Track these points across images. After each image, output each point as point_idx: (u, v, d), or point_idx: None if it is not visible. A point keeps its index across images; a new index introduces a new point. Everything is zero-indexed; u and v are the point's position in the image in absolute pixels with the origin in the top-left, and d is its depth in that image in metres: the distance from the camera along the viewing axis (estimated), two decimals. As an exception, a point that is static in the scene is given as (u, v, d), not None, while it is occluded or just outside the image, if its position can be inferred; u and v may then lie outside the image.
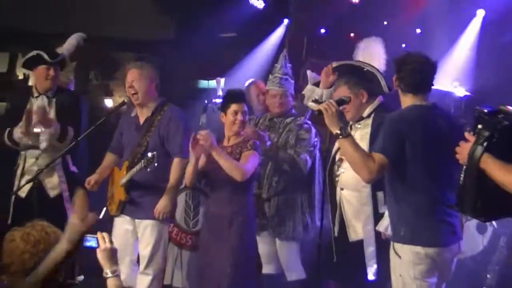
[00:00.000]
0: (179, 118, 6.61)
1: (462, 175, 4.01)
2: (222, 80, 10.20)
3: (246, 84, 8.09)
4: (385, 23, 10.97)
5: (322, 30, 10.88)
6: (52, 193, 7.05)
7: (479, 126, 3.95)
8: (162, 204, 6.44)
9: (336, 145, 5.81)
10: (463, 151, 4.00)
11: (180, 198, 7.48)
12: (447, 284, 5.15)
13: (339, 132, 4.90)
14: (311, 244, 6.73)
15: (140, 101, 6.60)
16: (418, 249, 4.85)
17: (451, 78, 9.32)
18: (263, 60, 11.05)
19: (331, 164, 5.98)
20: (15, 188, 7.02)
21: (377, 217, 5.64)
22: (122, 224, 6.67)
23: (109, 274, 3.89)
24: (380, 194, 5.63)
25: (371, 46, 6.27)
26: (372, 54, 6.19)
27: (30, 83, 12.24)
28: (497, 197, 3.88)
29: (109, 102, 13.27)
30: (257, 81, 8.03)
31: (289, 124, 6.80)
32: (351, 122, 5.90)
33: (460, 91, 9.04)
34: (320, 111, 4.99)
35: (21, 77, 13.11)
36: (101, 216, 6.63)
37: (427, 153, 4.87)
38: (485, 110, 3.96)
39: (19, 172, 7.13)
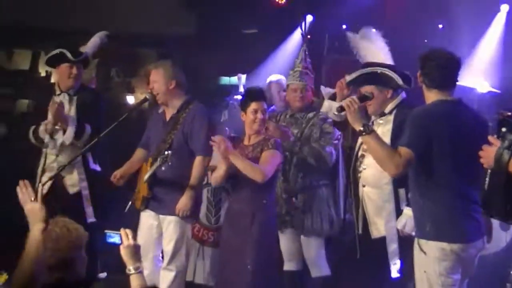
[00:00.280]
0: (203, 117, 6.64)
1: (487, 179, 4.00)
2: (244, 77, 10.19)
3: (268, 80, 8.10)
4: (408, 18, 10.91)
5: (344, 26, 10.80)
6: (72, 190, 7.08)
7: (503, 129, 3.94)
8: (182, 202, 6.48)
9: (359, 141, 5.81)
10: (487, 155, 3.99)
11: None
12: (471, 280, 5.14)
13: (362, 128, 4.92)
14: (333, 240, 6.74)
15: (161, 101, 6.68)
16: (444, 245, 4.85)
17: (475, 74, 9.27)
18: (286, 56, 11.02)
19: (354, 160, 5.98)
20: (36, 185, 7.05)
21: (399, 214, 5.63)
22: (147, 219, 6.71)
23: (132, 271, 3.91)
24: (402, 191, 5.63)
25: (370, 38, 6.22)
26: (374, 48, 6.15)
27: (52, 81, 12.32)
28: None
29: (130, 99, 13.31)
30: (278, 77, 8.03)
31: (312, 118, 6.79)
32: (373, 118, 5.88)
33: (484, 87, 8.99)
34: (342, 107, 5.03)
35: (43, 74, 13.18)
36: (126, 210, 6.67)
37: (454, 149, 4.86)
38: (509, 113, 3.94)
39: (40, 169, 7.16)
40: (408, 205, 5.48)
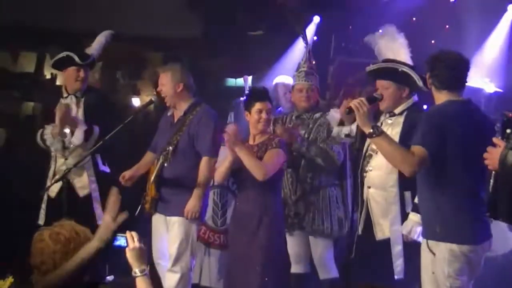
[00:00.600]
0: (209, 118, 6.67)
1: (492, 181, 3.99)
2: (250, 78, 10.20)
3: (274, 82, 8.10)
4: (414, 19, 10.91)
5: (350, 27, 10.84)
6: (82, 193, 7.08)
7: (508, 131, 3.93)
8: (191, 204, 6.50)
9: (367, 142, 5.80)
10: (492, 157, 3.99)
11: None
12: (479, 281, 5.14)
13: (371, 131, 4.91)
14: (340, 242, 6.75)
15: (169, 104, 6.74)
16: (453, 246, 4.86)
17: (482, 74, 9.27)
18: (294, 58, 11.01)
19: (362, 161, 5.96)
20: (47, 189, 7.05)
21: (404, 216, 5.63)
22: (157, 222, 6.76)
23: (138, 273, 3.90)
24: (407, 194, 5.63)
25: (391, 36, 6.20)
26: (395, 46, 6.13)
27: (58, 83, 12.33)
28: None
29: (136, 101, 13.33)
30: (284, 79, 8.03)
31: (319, 119, 6.80)
32: (381, 118, 5.87)
33: (491, 88, 8.98)
34: (351, 109, 5.01)
35: (48, 77, 13.19)
36: (136, 214, 6.68)
37: (465, 149, 4.87)
38: None
39: (51, 173, 7.17)
40: (414, 209, 5.47)
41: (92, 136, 7.01)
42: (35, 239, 3.98)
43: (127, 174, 6.75)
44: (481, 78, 9.04)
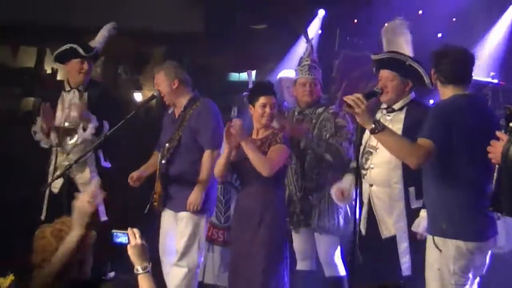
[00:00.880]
0: (209, 111, 6.72)
1: (495, 174, 4.00)
2: (253, 73, 10.21)
3: (278, 76, 8.11)
4: (420, 12, 10.90)
5: (355, 21, 10.84)
6: (83, 189, 7.08)
7: (511, 124, 3.95)
8: (193, 197, 6.55)
9: (364, 138, 5.80)
10: (496, 150, 4.00)
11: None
12: (488, 278, 5.16)
13: (373, 126, 4.86)
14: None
15: (169, 102, 6.81)
16: (460, 243, 4.86)
17: (488, 68, 9.26)
18: (299, 52, 11.01)
19: (360, 158, 5.90)
20: (47, 184, 7.06)
21: (409, 212, 5.64)
22: (167, 218, 6.82)
23: (140, 271, 3.92)
24: (412, 190, 5.63)
25: (396, 31, 6.19)
26: (394, 35, 6.13)
27: (58, 78, 12.36)
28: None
29: (138, 96, 13.35)
30: (288, 73, 8.02)
31: (322, 113, 6.75)
32: (378, 115, 5.83)
33: (493, 80, 8.97)
34: (349, 105, 4.91)
35: (49, 71, 13.22)
36: (145, 211, 6.75)
37: (473, 143, 4.87)
38: None
39: (51, 168, 7.19)
40: (424, 207, 5.47)
41: (103, 130, 7.01)
42: (36, 236, 4.00)
43: (135, 174, 6.80)
44: (487, 72, 9.03)
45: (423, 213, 5.45)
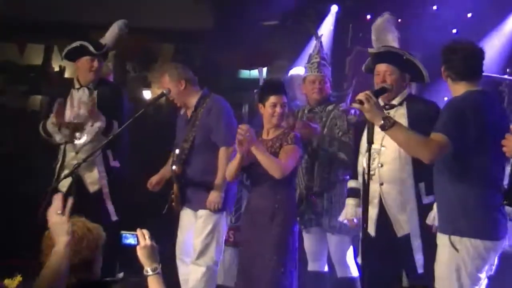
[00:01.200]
0: (220, 108, 6.77)
1: (509, 168, 4.00)
2: (264, 70, 10.20)
3: (290, 73, 8.10)
4: (434, 7, 10.87)
5: (368, 16, 10.78)
6: (92, 189, 7.11)
7: None
8: (213, 195, 6.63)
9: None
10: (510, 144, 3.99)
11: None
12: (500, 278, 5.14)
13: (383, 123, 4.84)
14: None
15: (179, 103, 6.88)
16: (478, 242, 4.84)
17: (504, 64, 9.24)
18: (307, 49, 10.99)
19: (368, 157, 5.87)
20: (54, 183, 7.07)
21: (419, 208, 5.63)
22: (186, 217, 6.89)
23: (150, 272, 3.91)
24: (422, 186, 5.61)
25: (384, 27, 6.20)
26: (383, 32, 6.14)
27: (66, 76, 12.37)
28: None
29: (147, 94, 13.36)
30: (300, 70, 8.02)
31: (332, 111, 6.76)
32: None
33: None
34: (361, 101, 4.91)
35: (57, 69, 13.24)
36: (164, 211, 6.82)
37: (489, 139, 4.86)
38: None
39: (58, 166, 7.20)
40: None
41: (112, 130, 7.01)
42: (46, 237, 4.00)
43: (154, 179, 6.89)
44: (504, 68, 9.01)
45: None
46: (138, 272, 4.05)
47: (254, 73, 11.66)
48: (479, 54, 5.07)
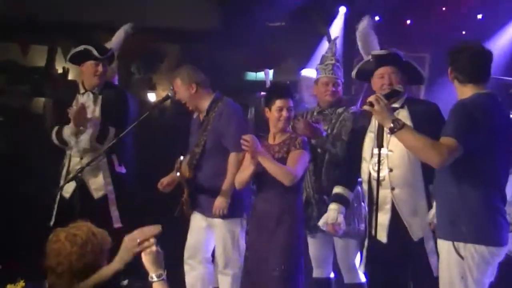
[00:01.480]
0: (231, 112, 6.77)
1: None
2: (271, 72, 10.18)
3: (302, 74, 8.09)
4: (444, 9, 10.86)
5: (377, 18, 10.78)
6: (96, 195, 7.10)
7: None
8: (218, 201, 6.64)
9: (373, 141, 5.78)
10: None
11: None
12: (504, 282, 5.14)
13: (392, 126, 4.87)
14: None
15: (191, 107, 6.89)
16: (482, 248, 4.84)
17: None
18: (321, 50, 10.98)
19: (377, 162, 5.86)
20: (59, 188, 7.06)
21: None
22: (196, 221, 6.91)
23: (155, 278, 3.92)
24: (431, 187, 5.59)
25: (366, 29, 6.24)
26: (367, 36, 6.17)
27: (69, 78, 12.37)
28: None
29: (152, 96, 13.34)
30: (309, 72, 8.01)
31: (342, 113, 6.74)
32: None
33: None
34: (371, 103, 4.96)
35: (60, 71, 13.23)
36: (175, 214, 6.83)
37: (497, 142, 4.87)
38: None
39: (64, 172, 7.19)
40: None
41: (108, 137, 7.00)
42: (50, 240, 4.02)
43: (165, 180, 6.86)
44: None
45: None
46: (143, 279, 4.06)
47: (260, 75, 11.64)
48: (487, 55, 5.07)
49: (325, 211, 6.46)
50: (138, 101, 11.50)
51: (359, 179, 6.20)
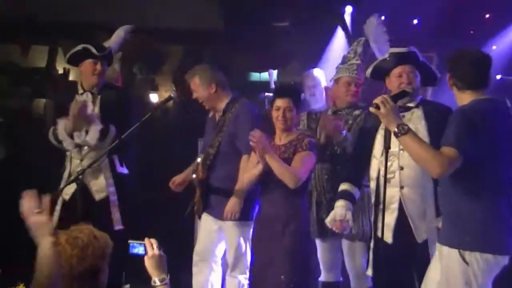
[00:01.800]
0: (247, 114, 6.78)
1: None
2: (275, 72, 10.17)
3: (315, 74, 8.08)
4: (451, 8, 10.84)
5: (382, 17, 10.77)
6: (98, 196, 7.08)
7: None
8: (230, 204, 6.63)
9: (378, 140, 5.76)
10: None
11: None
12: (504, 282, 5.13)
13: (396, 130, 4.88)
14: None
15: (208, 107, 6.92)
16: (489, 256, 4.83)
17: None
18: (322, 51, 10.96)
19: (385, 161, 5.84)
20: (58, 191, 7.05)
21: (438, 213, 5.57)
22: (206, 222, 6.93)
23: (158, 283, 3.91)
24: (439, 189, 5.57)
25: (378, 27, 6.21)
26: (379, 34, 6.15)
27: (70, 79, 12.37)
28: None
29: (154, 97, 13.32)
30: (315, 71, 7.98)
31: (359, 115, 6.70)
32: None
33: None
34: (378, 106, 4.95)
35: (61, 72, 13.23)
36: (185, 214, 6.91)
37: (500, 148, 4.87)
38: None
39: (66, 174, 7.18)
40: None
41: (108, 136, 6.98)
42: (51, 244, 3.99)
43: (177, 179, 6.88)
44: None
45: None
46: (145, 283, 4.04)
47: (265, 75, 11.62)
48: (486, 62, 5.06)
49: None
50: (140, 102, 11.52)
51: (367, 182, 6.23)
